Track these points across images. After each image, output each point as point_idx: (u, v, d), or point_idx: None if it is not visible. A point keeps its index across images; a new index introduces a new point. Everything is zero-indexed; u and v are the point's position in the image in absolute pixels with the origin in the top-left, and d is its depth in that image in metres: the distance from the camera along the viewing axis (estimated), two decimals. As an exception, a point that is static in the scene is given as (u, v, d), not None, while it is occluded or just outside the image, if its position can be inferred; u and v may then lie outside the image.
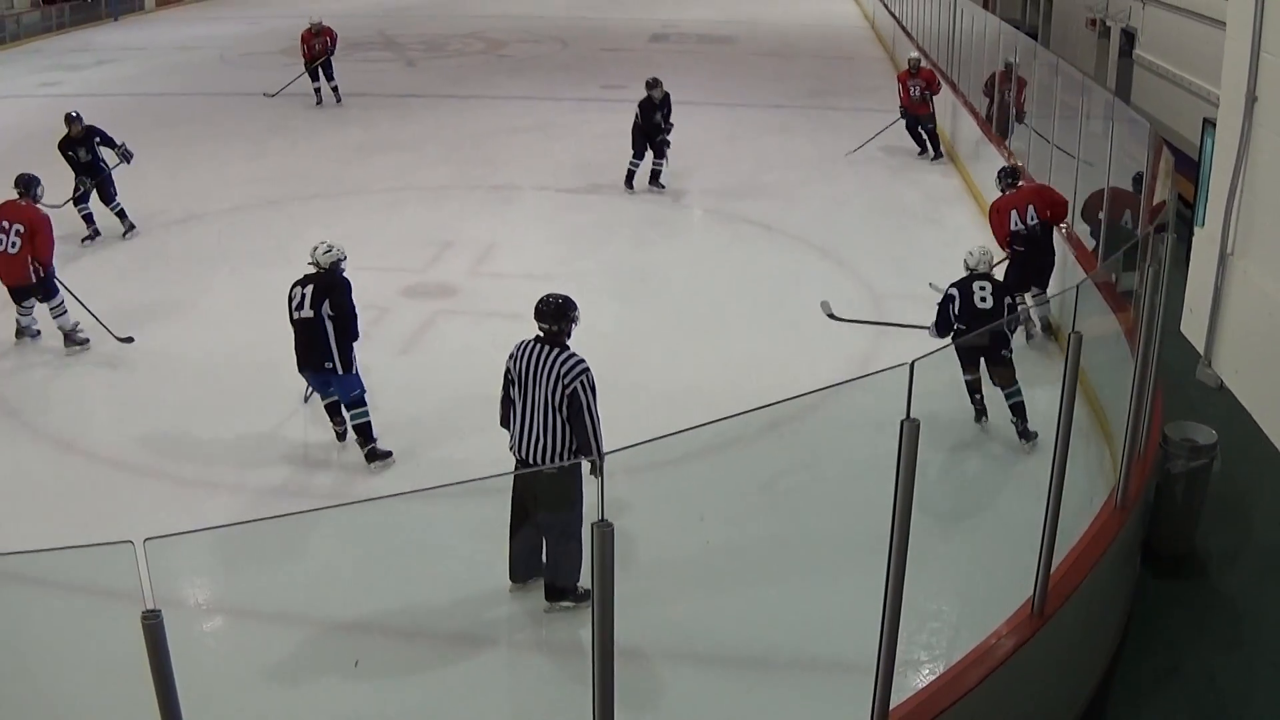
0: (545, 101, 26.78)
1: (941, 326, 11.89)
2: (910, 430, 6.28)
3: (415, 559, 9.08)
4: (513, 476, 8.63)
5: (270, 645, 8.62)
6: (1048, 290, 13.96)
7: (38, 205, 14.20)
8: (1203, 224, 12.03)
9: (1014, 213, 13.82)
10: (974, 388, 11.76)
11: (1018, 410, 11.45)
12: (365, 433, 11.47)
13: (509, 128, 25.89)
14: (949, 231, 18.61)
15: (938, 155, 22.94)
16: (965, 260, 12.19)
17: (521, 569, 8.89)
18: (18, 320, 14.11)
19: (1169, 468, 10.18)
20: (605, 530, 5.47)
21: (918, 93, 22.74)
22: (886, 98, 24.67)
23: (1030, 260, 13.77)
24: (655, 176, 20.53)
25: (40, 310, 14.17)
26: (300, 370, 11.63)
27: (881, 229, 18.56)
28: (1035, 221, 13.70)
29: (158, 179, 20.05)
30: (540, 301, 8.83)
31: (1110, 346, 11.02)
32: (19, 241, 13.63)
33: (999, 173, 14.93)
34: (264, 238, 13.90)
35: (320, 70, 28.11)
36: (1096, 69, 28.52)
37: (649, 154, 20.37)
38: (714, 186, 21.04)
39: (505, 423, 8.93)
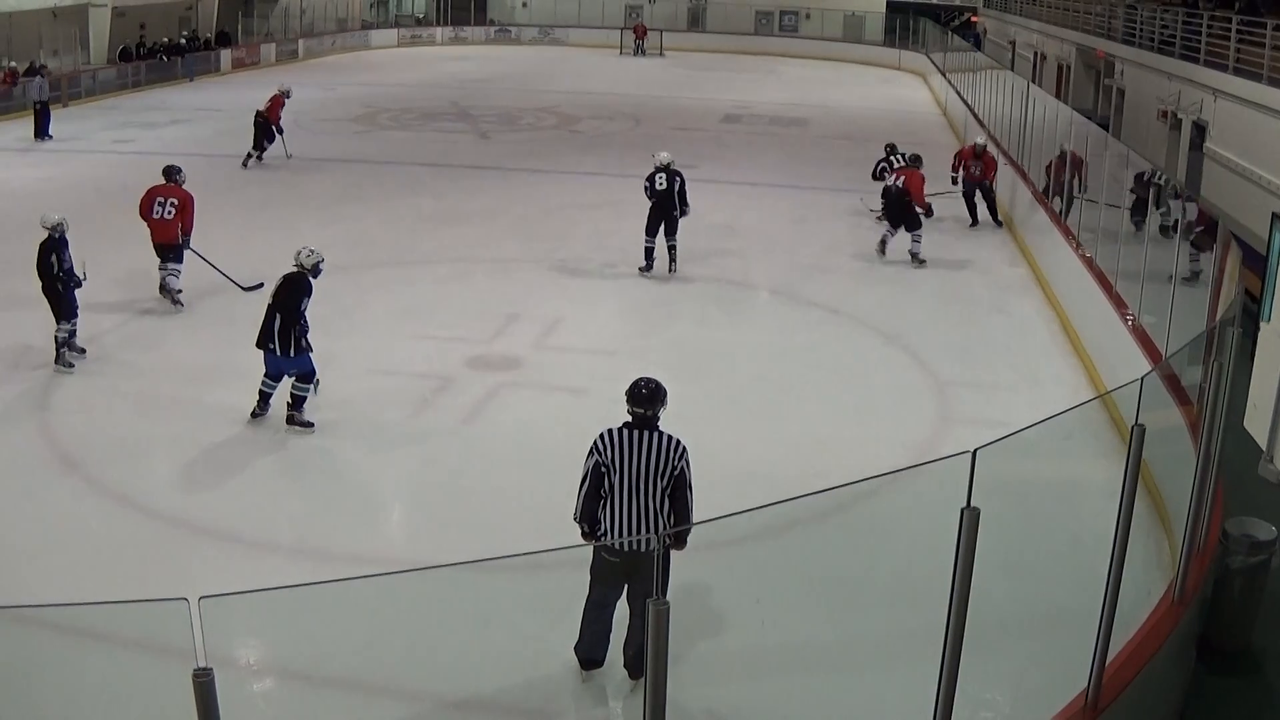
0: (616, 178, 27.00)
1: (650, 194, 19.70)
2: (970, 519, 6.28)
3: (473, 630, 9.12)
4: (605, 561, 8.56)
5: (320, 710, 8.66)
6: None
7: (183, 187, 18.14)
8: (1269, 319, 11.97)
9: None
10: (651, 253, 19.94)
11: (673, 252, 20.00)
12: (298, 403, 13.57)
13: (579, 203, 26.13)
14: (1016, 321, 18.61)
15: (976, 223, 24.96)
16: (659, 160, 19.75)
17: (601, 653, 8.88)
18: (172, 278, 17.84)
19: (1228, 563, 10.11)
20: (662, 609, 5.51)
21: (978, 172, 24.59)
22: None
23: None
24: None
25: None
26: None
27: (948, 316, 18.54)
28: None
29: (228, 241, 20.27)
30: (634, 387, 8.80)
31: (1173, 440, 10.97)
32: (173, 211, 17.70)
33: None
34: (330, 303, 14.04)
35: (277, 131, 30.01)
36: (1167, 161, 28.50)
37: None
38: (781, 268, 21.13)
39: (586, 517, 8.77)
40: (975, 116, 34.39)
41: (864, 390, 15.35)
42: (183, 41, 51.79)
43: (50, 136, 33.35)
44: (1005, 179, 25.98)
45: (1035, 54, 51.29)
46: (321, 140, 32.10)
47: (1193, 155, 27.40)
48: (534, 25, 73.96)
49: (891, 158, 25.24)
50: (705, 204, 24.92)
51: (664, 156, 20.04)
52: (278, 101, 30.03)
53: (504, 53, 66.29)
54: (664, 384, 8.86)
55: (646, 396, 8.77)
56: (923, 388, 15.38)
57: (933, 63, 54.22)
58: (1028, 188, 23.61)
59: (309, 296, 13.48)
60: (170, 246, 17.90)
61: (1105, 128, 27.53)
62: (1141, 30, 34.03)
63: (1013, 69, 41.24)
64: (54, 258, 15.01)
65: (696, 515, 8.64)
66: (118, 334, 16.49)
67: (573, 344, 16.79)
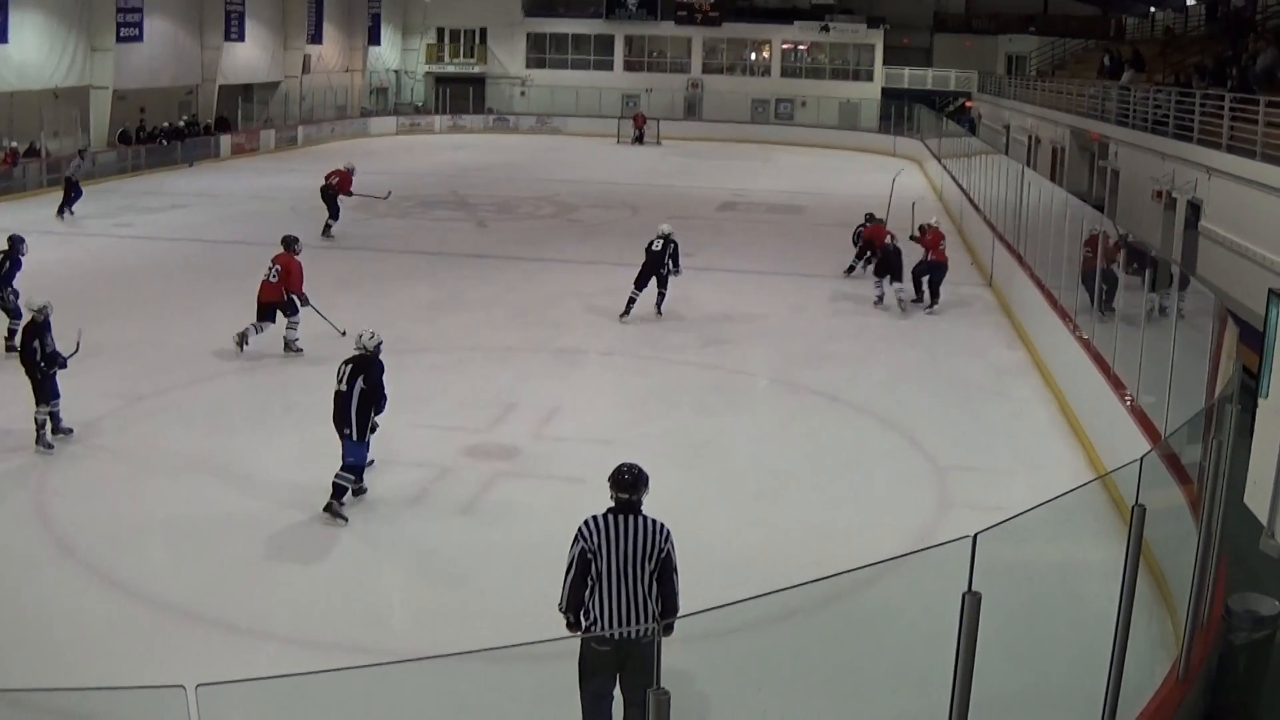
0: (614, 266, 27.04)
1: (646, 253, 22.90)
2: (971, 604, 6.25)
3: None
4: (594, 650, 8.48)
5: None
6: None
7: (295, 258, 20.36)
8: (1267, 395, 11.96)
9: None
10: (633, 303, 22.80)
11: (661, 303, 23.15)
12: (339, 492, 13.50)
13: (577, 291, 26.14)
14: (1014, 404, 18.60)
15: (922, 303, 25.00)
16: (660, 230, 23.27)
17: None
18: (253, 331, 20.00)
19: (1232, 639, 10.05)
20: (662, 698, 5.47)
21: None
22: (952, 271, 25.60)
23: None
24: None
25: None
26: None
27: (946, 401, 18.52)
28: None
29: (224, 326, 20.34)
30: (617, 472, 8.83)
31: (1174, 518, 10.93)
32: (277, 276, 19.95)
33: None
34: (327, 390, 14.03)
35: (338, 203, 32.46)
36: (1162, 241, 28.58)
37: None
38: (779, 356, 21.14)
39: (573, 606, 8.75)
40: (971, 201, 34.54)
41: (863, 476, 15.32)
42: (182, 126, 51.99)
43: (73, 213, 34.00)
44: (1002, 263, 26.09)
45: (1030, 138, 51.51)
46: (319, 227, 32.07)
47: (1188, 234, 27.46)
48: (532, 114, 74.41)
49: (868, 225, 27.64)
50: (703, 291, 25.07)
51: (664, 228, 23.52)
52: (346, 178, 32.57)
53: (502, 141, 66.64)
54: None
55: (629, 482, 8.78)
56: (922, 473, 15.35)
57: (928, 148, 54.52)
58: (1024, 270, 23.63)
59: (382, 372, 13.80)
60: (267, 306, 20.02)
61: (1100, 209, 27.64)
62: (1135, 111, 34.21)
63: (1007, 153, 41.43)
64: (37, 341, 15.18)
65: (696, 603, 8.53)
66: (115, 418, 16.49)
67: (570, 433, 16.75)
